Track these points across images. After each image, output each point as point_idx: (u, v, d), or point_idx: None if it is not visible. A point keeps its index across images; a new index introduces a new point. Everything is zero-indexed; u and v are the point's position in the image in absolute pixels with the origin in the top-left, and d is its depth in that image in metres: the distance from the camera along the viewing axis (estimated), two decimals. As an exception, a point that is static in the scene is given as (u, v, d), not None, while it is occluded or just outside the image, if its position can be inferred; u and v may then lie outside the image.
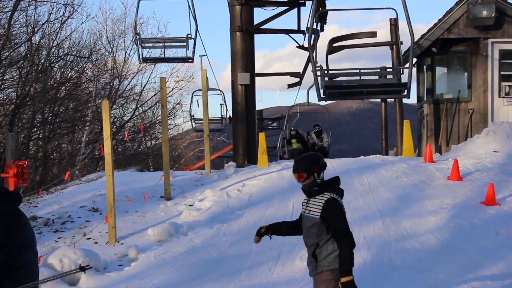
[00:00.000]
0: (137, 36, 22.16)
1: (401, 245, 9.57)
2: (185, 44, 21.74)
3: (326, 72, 16.21)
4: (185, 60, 22.63)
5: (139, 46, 22.13)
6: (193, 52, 21.50)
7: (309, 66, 23.48)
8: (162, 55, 24.18)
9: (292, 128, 23.37)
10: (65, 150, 36.22)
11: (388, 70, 19.27)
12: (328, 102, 16.51)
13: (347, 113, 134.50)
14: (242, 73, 19.92)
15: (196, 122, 30.34)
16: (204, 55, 25.04)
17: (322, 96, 16.09)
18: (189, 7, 20.98)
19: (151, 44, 23.21)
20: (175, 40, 22.69)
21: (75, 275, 8.93)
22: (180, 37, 22.05)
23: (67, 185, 17.09)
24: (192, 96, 30.65)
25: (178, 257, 9.72)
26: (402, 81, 16.12)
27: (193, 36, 21.39)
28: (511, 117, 19.22)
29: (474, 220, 10.74)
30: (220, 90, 30.41)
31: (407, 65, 16.72)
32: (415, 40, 20.80)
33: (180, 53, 24.02)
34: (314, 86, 15.96)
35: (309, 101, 22.48)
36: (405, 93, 16.39)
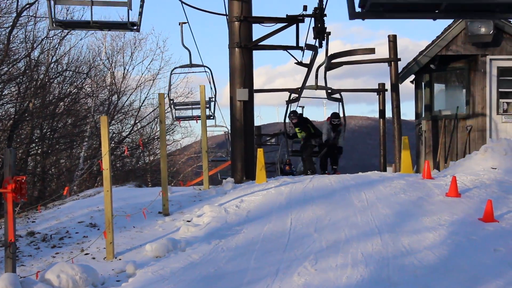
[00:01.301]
0: (172, 101, 28.60)
1: (399, 261, 9.55)
2: (208, 106, 26.46)
3: None
4: (208, 117, 26.28)
5: (173, 109, 28.60)
6: (214, 111, 27.08)
7: (307, 82, 23.46)
8: (190, 114, 29.22)
9: (292, 115, 21.84)
10: (63, 166, 36.20)
11: None
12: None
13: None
14: (241, 89, 19.91)
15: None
16: (214, 101, 28.03)
17: (357, 9, 9.90)
18: (209, 76, 25.82)
19: (182, 107, 29.85)
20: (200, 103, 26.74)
21: (73, 290, 8.93)
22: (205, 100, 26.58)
23: (65, 201, 17.08)
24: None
25: (176, 273, 9.69)
26: None
27: (213, 99, 26.58)
28: (510, 134, 19.26)
29: (472, 237, 10.74)
30: (227, 127, 33.54)
31: None
32: (413, 57, 20.92)
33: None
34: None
35: (318, 84, 21.81)
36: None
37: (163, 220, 13.41)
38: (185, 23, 24.06)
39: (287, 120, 22.77)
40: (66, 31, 31.55)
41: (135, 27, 17.00)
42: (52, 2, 16.23)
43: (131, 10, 16.12)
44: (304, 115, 22.87)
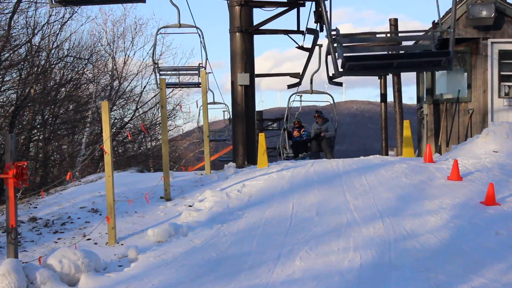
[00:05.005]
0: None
1: (401, 245, 9.56)
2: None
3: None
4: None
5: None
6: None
7: (308, 65, 23.48)
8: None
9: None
10: (65, 152, 36.22)
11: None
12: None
13: (347, 114, 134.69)
14: (242, 73, 19.93)
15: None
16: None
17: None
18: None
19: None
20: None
21: (75, 275, 8.94)
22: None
23: (67, 186, 17.10)
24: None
25: (178, 257, 9.72)
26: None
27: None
28: (511, 117, 19.22)
29: (474, 220, 10.75)
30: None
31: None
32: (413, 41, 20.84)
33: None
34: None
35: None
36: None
37: (165, 205, 13.42)
38: None
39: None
40: (68, 15, 31.57)
41: None
42: None
43: None
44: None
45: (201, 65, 24.76)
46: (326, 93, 23.85)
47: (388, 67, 14.10)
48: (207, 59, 24.64)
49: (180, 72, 26.93)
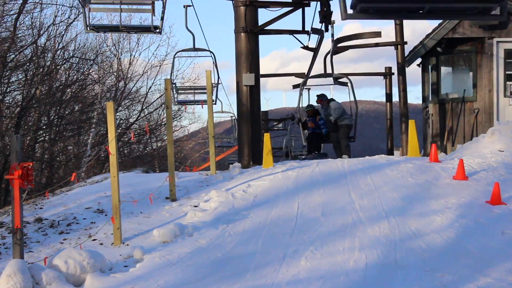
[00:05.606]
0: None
1: (407, 245, 9.55)
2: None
3: None
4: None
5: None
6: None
7: (313, 66, 23.42)
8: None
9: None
10: (71, 152, 36.26)
11: None
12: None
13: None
14: (247, 74, 19.91)
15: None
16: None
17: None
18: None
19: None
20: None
21: (80, 276, 8.95)
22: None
23: (72, 187, 17.11)
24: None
25: (183, 257, 9.71)
26: None
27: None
28: (517, 117, 19.22)
29: (480, 220, 10.72)
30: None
31: None
32: (420, 40, 20.84)
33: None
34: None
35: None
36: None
37: (170, 205, 13.42)
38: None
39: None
40: (73, 16, 31.77)
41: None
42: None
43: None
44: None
45: (213, 84, 25.82)
46: (343, 76, 22.01)
47: (416, 11, 10.82)
48: (218, 78, 26.41)
49: (196, 91, 29.75)
